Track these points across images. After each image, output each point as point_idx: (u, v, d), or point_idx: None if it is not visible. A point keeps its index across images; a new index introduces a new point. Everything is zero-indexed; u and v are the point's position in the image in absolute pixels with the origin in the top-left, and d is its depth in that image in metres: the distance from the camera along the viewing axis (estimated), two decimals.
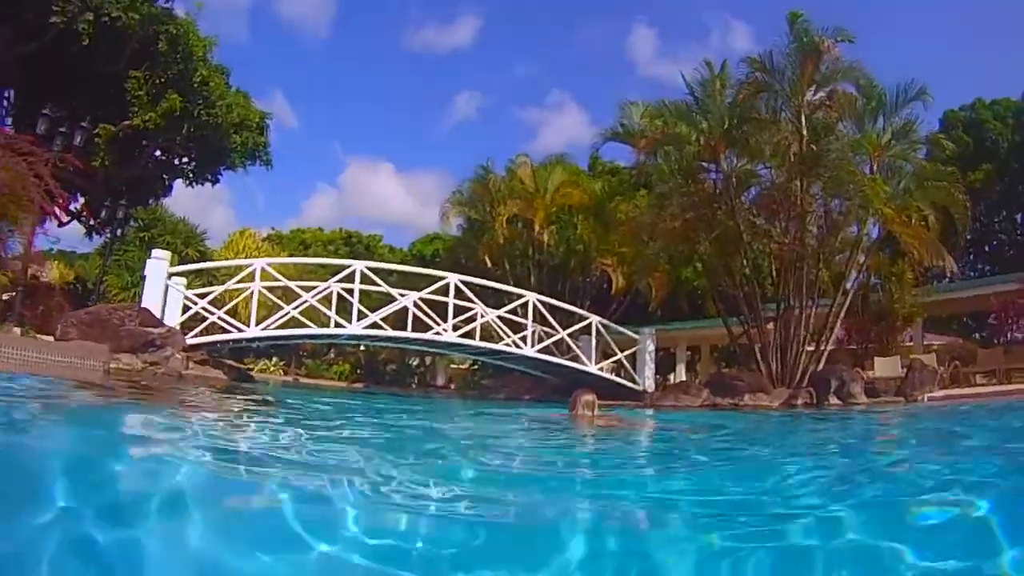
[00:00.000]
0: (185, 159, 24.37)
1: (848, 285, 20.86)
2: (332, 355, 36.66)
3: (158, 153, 23.68)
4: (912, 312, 21.87)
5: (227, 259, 25.61)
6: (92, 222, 24.17)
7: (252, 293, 17.05)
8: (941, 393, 16.87)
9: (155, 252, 16.34)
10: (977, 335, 29.38)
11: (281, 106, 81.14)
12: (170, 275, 16.01)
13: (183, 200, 47.28)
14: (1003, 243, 37.84)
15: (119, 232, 23.68)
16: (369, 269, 18.39)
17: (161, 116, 20.23)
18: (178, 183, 25.35)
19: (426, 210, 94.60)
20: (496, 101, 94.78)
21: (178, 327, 15.34)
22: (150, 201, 26.13)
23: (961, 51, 66.52)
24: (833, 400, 16.83)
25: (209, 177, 24.80)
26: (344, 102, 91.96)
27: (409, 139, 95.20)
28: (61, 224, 21.80)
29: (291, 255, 31.05)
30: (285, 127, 75.31)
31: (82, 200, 23.51)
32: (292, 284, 17.87)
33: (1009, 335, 21.16)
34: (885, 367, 19.16)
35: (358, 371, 34.53)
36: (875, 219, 19.97)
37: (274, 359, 34.85)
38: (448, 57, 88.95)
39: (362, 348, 33.29)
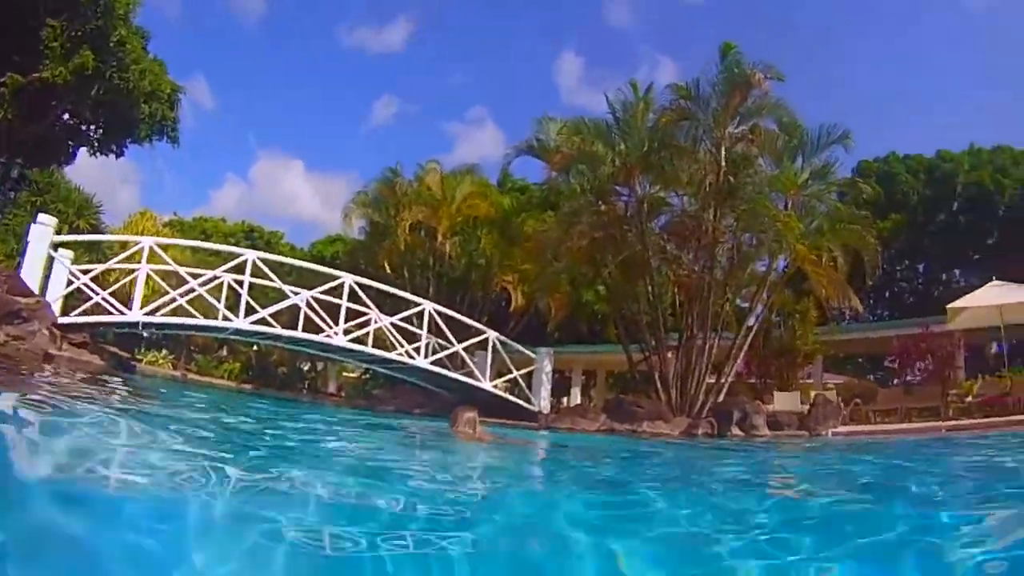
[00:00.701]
0: (92, 126, 23.34)
1: (752, 320, 20.72)
2: (224, 352, 34.74)
3: (66, 117, 22.70)
4: (814, 350, 22.10)
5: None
6: None
7: (139, 274, 15.66)
8: (844, 429, 16.86)
9: (40, 217, 14.81)
10: (872, 376, 29.98)
11: (203, 91, 77.79)
12: (55, 245, 14.59)
13: (91, 174, 44.79)
14: (904, 290, 39.13)
15: (12, 194, 22.16)
16: (262, 261, 17.14)
17: (72, 72, 19.21)
18: (83, 153, 24.18)
19: (333, 213, 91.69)
20: (416, 110, 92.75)
21: (59, 302, 14.07)
22: (51, 166, 24.46)
23: (877, 111, 68.61)
24: (735, 431, 16.54)
25: (114, 149, 23.77)
26: (264, 93, 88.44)
27: (323, 139, 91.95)
28: None
29: None
30: (206, 113, 71.72)
31: None
32: (180, 269, 16.45)
33: (907, 377, 21.37)
34: (784, 401, 19.09)
35: (249, 371, 32.71)
36: (784, 256, 19.94)
37: (164, 352, 32.76)
38: (375, 60, 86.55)
39: (254, 348, 31.61)
